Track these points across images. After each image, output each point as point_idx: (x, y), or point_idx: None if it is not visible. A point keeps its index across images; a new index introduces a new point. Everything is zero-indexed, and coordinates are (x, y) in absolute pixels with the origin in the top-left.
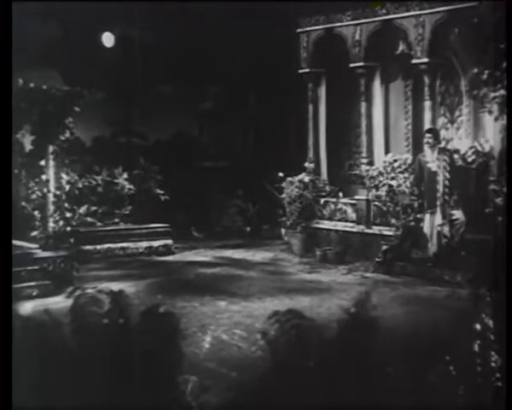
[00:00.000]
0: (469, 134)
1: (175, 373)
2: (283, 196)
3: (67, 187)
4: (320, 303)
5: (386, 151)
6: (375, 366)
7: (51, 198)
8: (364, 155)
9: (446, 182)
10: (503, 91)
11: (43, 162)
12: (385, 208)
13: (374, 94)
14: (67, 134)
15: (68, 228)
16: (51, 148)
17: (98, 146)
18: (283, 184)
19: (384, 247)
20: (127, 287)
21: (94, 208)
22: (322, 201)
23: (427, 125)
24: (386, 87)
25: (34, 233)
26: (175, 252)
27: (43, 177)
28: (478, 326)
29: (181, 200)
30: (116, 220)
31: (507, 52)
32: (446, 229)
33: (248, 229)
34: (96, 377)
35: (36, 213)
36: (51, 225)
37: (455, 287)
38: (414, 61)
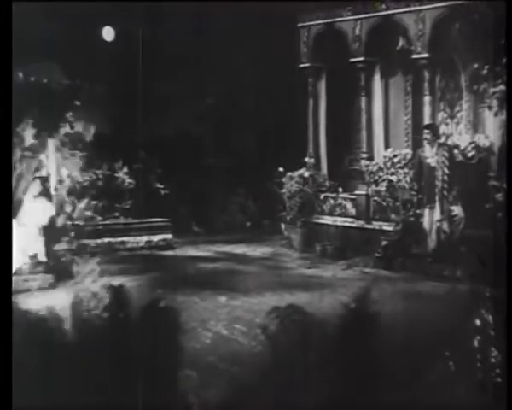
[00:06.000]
0: (469, 129)
1: (175, 368)
2: (283, 190)
3: (68, 181)
4: (320, 298)
5: (386, 146)
6: (374, 360)
7: (51, 192)
8: (364, 150)
9: (445, 177)
10: (502, 87)
11: (43, 156)
12: (384, 204)
13: (374, 89)
14: (68, 128)
15: (68, 222)
16: (52, 142)
17: (98, 140)
18: (283, 179)
19: (384, 242)
20: (127, 281)
21: (94, 202)
22: (322, 196)
23: (426, 120)
24: (386, 82)
25: None
26: (175, 246)
27: (44, 170)
28: (478, 322)
29: (181, 194)
30: (116, 214)
31: (507, 48)
32: (446, 224)
33: (248, 224)
34: (95, 372)
35: None
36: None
37: (454, 283)
38: (414, 56)
